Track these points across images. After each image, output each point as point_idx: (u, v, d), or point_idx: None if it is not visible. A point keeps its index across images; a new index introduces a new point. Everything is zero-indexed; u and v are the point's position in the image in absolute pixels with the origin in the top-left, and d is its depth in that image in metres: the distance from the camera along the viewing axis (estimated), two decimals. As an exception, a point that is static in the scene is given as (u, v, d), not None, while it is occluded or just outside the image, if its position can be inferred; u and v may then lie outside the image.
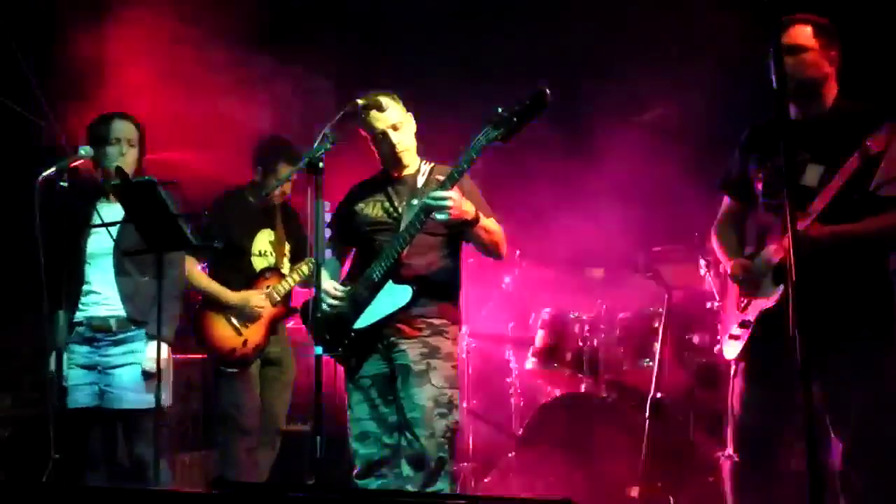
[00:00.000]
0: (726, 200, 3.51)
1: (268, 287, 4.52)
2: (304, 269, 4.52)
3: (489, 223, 3.52)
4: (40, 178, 3.69)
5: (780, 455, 3.31)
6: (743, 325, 3.29)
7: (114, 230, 3.87)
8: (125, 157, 3.96)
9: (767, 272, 3.21)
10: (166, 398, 3.89)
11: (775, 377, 3.10)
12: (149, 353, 3.88)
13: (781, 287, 3.08)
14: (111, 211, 3.95)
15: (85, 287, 3.97)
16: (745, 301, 3.31)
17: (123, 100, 4.60)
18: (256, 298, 4.46)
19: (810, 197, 3.08)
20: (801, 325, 2.31)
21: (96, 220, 3.91)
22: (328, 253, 3.59)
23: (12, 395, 5.31)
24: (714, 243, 3.50)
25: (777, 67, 2.70)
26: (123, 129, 4.01)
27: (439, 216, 3.34)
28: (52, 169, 3.72)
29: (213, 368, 4.54)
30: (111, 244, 3.94)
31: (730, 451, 3.32)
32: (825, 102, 3.22)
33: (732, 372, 3.38)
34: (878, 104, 3.15)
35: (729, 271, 3.34)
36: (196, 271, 4.52)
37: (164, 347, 3.87)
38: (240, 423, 4.46)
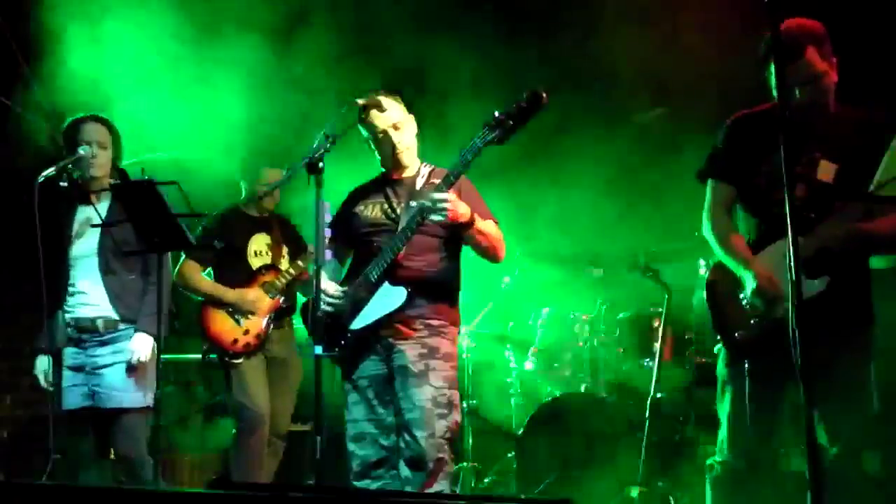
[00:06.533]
0: (719, 188, 3.33)
1: (265, 283, 4.61)
2: (301, 262, 4.62)
3: (486, 226, 3.50)
4: (40, 178, 3.69)
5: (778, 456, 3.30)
6: (758, 321, 3.14)
7: (98, 230, 3.86)
8: (97, 159, 3.92)
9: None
10: (149, 397, 3.82)
11: (781, 374, 3.04)
12: (131, 345, 3.86)
13: (825, 278, 2.99)
14: (90, 213, 3.93)
15: (70, 288, 3.94)
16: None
17: (122, 100, 4.59)
18: (252, 294, 4.58)
19: (828, 192, 3.05)
20: (801, 321, 2.31)
21: (76, 223, 3.90)
22: (328, 254, 3.59)
23: (12, 396, 5.31)
24: (713, 232, 3.31)
25: (778, 72, 2.70)
26: (95, 131, 3.95)
27: (435, 217, 3.34)
28: (52, 169, 3.74)
29: (221, 363, 4.59)
30: (95, 245, 3.92)
31: (724, 455, 3.22)
32: (830, 106, 3.19)
33: (729, 373, 3.26)
34: (872, 110, 3.17)
35: (755, 286, 3.09)
36: (196, 276, 4.59)
37: (151, 343, 3.86)
38: (252, 411, 4.52)
